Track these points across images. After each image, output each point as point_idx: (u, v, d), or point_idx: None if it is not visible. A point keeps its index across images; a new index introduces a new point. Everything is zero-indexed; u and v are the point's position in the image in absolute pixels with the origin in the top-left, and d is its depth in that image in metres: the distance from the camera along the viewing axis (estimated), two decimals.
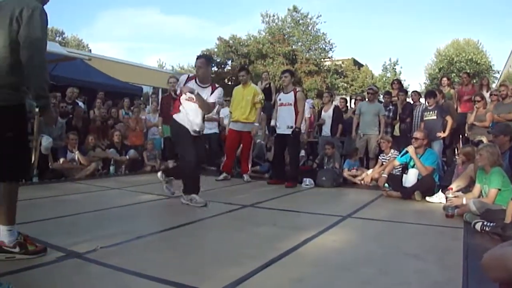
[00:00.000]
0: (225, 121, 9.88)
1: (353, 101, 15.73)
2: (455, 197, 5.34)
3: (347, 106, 12.46)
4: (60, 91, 10.49)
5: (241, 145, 8.64)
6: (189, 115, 5.89)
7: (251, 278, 2.83)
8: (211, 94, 6.00)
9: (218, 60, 33.95)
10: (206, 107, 5.92)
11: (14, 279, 2.74)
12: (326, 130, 9.96)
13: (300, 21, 35.64)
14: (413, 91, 10.69)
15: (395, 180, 6.89)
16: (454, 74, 31.18)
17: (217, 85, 6.24)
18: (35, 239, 3.30)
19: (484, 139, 7.76)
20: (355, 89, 34.69)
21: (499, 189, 4.98)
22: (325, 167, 8.60)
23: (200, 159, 6.30)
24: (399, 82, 11.76)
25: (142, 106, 12.56)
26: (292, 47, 33.93)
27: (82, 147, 9.13)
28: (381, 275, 2.96)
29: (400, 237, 4.21)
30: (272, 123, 8.91)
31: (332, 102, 10.51)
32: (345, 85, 35.96)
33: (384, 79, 37.41)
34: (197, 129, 5.93)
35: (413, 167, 6.80)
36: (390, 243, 3.94)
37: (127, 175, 9.43)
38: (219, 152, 10.42)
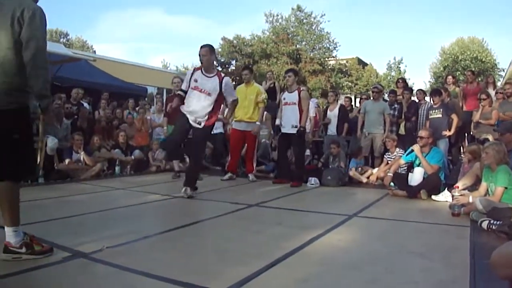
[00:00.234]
0: None
1: (358, 100, 15.73)
2: (461, 195, 5.31)
3: (352, 105, 12.45)
4: (65, 92, 10.53)
5: (246, 144, 8.65)
6: (191, 105, 6.28)
7: (257, 277, 2.83)
8: (220, 84, 6.31)
9: (222, 60, 34.02)
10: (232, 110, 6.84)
11: (20, 279, 2.76)
12: (332, 129, 9.93)
13: (304, 20, 35.68)
14: (418, 90, 10.65)
15: (400, 179, 6.87)
16: (459, 72, 31.04)
17: (222, 74, 6.53)
18: (41, 239, 3.31)
19: (490, 137, 7.74)
20: (359, 88, 34.64)
21: (506, 187, 4.95)
22: (330, 167, 8.58)
23: (197, 154, 6.60)
24: (404, 80, 11.72)
25: (147, 107, 12.57)
26: (296, 46, 33.96)
27: (87, 147, 9.14)
28: (387, 274, 2.95)
29: (406, 236, 4.20)
30: (277, 122, 8.91)
31: (337, 101, 10.49)
32: (350, 84, 35.92)
33: (388, 78, 37.35)
34: (197, 118, 6.23)
35: (418, 165, 6.78)
36: (396, 242, 3.92)
37: (133, 176, 9.44)
38: (224, 152, 10.42)
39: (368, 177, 8.17)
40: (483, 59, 35.63)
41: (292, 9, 36.06)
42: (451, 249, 3.65)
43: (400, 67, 38.64)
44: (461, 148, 10.52)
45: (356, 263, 3.18)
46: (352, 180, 8.25)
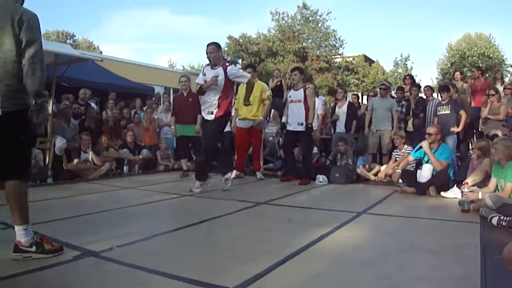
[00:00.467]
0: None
1: (365, 97, 15.70)
2: (470, 191, 5.28)
3: (359, 103, 12.41)
4: (73, 93, 10.57)
5: (252, 142, 8.65)
6: (203, 97, 6.65)
7: (268, 274, 2.84)
8: (225, 72, 6.49)
9: (228, 59, 34.00)
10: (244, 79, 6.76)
11: (31, 279, 2.78)
12: (341, 127, 9.90)
13: (310, 18, 35.64)
14: (426, 86, 10.60)
15: (409, 176, 6.85)
16: (467, 69, 30.88)
17: (227, 63, 6.74)
18: (51, 239, 3.33)
19: (499, 133, 7.70)
20: (366, 85, 34.54)
21: None
22: (338, 164, 8.57)
23: (206, 147, 6.69)
24: (411, 77, 11.67)
25: (154, 106, 12.60)
26: (302, 44, 33.94)
27: (95, 147, 9.18)
28: (398, 270, 2.95)
29: (416, 233, 4.20)
30: (283, 119, 8.90)
31: (346, 98, 10.46)
32: (356, 81, 35.84)
33: (395, 74, 37.17)
34: (211, 110, 6.53)
35: (427, 162, 6.76)
36: (406, 238, 3.92)
37: (141, 175, 9.47)
38: (231, 151, 10.43)
39: (376, 174, 8.15)
40: (491, 55, 35.40)
41: (298, 7, 36.06)
42: (462, 245, 3.64)
43: (407, 64, 38.45)
44: (469, 144, 10.47)
45: (367, 259, 3.18)
46: (360, 178, 8.23)
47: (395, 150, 8.40)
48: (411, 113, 9.65)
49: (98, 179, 8.42)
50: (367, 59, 39.91)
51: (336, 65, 35.36)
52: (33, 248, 3.13)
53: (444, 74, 36.62)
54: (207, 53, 6.61)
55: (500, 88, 9.30)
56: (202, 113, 6.83)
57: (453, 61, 36.95)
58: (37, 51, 3.14)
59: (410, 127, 9.67)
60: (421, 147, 6.86)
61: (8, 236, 3.28)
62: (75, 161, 8.58)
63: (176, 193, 6.56)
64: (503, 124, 7.97)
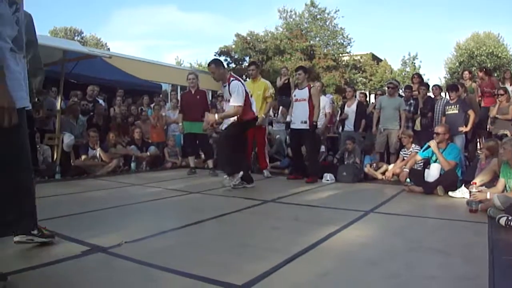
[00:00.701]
0: None
1: (372, 96, 15.66)
2: (479, 191, 5.26)
3: (367, 101, 12.39)
4: (81, 89, 10.62)
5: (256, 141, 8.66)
6: None
7: (276, 272, 2.84)
8: (229, 88, 6.62)
9: (236, 57, 34.03)
10: (229, 116, 6.76)
11: (40, 273, 2.79)
12: (349, 125, 9.91)
13: (318, 16, 35.59)
14: (434, 85, 10.55)
15: (417, 175, 6.83)
16: (475, 68, 30.74)
17: (231, 78, 6.67)
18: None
19: (508, 133, 7.67)
20: (374, 84, 34.46)
21: None
22: (345, 163, 8.57)
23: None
24: (420, 76, 11.63)
25: (162, 103, 12.65)
26: (310, 42, 33.87)
27: (103, 144, 9.22)
28: (406, 269, 2.94)
29: (423, 232, 4.19)
30: (288, 118, 8.91)
31: (355, 97, 10.44)
32: (364, 80, 35.74)
33: (403, 73, 37.07)
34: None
35: (435, 161, 6.74)
36: (414, 237, 3.91)
37: (148, 172, 9.52)
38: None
39: (383, 173, 8.13)
40: (499, 55, 35.21)
41: (306, 5, 36.01)
42: (470, 245, 3.63)
43: (414, 63, 38.34)
44: (478, 144, 10.43)
45: (374, 258, 3.18)
46: (368, 177, 8.22)
47: (402, 149, 8.38)
48: (419, 112, 9.62)
49: (106, 175, 8.46)
50: (375, 58, 39.77)
51: (343, 63, 35.29)
52: (36, 231, 3.20)
53: (452, 73, 36.50)
54: (211, 73, 6.88)
55: (510, 88, 9.26)
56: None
57: (462, 60, 36.79)
58: (37, 52, 3.31)
59: (417, 126, 9.64)
60: (429, 146, 6.84)
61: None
62: (83, 157, 8.63)
63: (184, 190, 6.59)
64: None
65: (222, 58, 33.12)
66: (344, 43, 35.83)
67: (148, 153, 10.03)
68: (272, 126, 10.92)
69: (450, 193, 6.23)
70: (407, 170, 7.07)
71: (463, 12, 75.30)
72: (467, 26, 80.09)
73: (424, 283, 2.69)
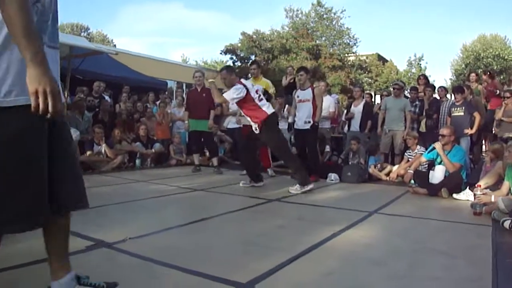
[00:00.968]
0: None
1: (378, 96, 15.63)
2: (483, 194, 5.25)
3: (372, 102, 12.37)
4: (87, 85, 10.66)
5: None
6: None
7: (280, 270, 2.86)
8: None
9: (241, 55, 33.99)
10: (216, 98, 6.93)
11: (46, 267, 2.81)
12: (355, 126, 9.90)
13: (324, 16, 35.51)
14: (440, 87, 10.54)
15: (421, 177, 6.83)
16: (481, 70, 30.65)
17: (235, 83, 6.68)
18: None
19: None
20: (379, 84, 34.40)
21: None
22: (350, 163, 8.57)
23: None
24: (425, 77, 11.61)
25: (168, 101, 12.68)
26: (316, 42, 33.79)
27: (108, 140, 9.25)
28: (409, 270, 2.95)
29: (427, 233, 4.19)
30: (290, 119, 8.92)
31: (363, 97, 10.42)
32: (370, 80, 35.68)
33: (409, 74, 36.99)
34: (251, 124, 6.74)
35: (440, 163, 6.74)
36: (418, 239, 3.92)
37: (153, 168, 9.54)
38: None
39: (387, 174, 8.12)
40: (506, 57, 35.05)
41: (312, 4, 35.92)
42: (473, 247, 3.64)
43: (420, 64, 38.23)
44: (482, 147, 10.41)
45: (378, 258, 3.19)
46: (372, 177, 8.22)
47: (407, 151, 8.36)
48: (424, 114, 9.61)
49: (111, 171, 8.49)
50: (381, 58, 39.71)
51: (349, 63, 35.22)
52: None
53: (458, 75, 36.36)
54: (221, 78, 6.88)
55: None
56: None
57: (468, 62, 36.65)
58: None
59: (423, 128, 9.63)
60: (434, 148, 6.83)
61: None
62: (88, 153, 8.66)
63: (188, 188, 6.61)
64: None
65: (227, 57, 33.22)
66: (350, 43, 35.75)
67: (153, 150, 10.05)
68: (278, 125, 10.90)
69: (454, 195, 6.22)
70: (412, 172, 7.06)
71: (470, 14, 75.01)
72: (474, 28, 79.77)
73: (427, 284, 2.70)
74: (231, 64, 30.89)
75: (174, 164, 10.19)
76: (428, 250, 3.52)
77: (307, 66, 17.74)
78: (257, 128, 6.55)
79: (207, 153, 9.64)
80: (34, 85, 1.64)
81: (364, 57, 36.92)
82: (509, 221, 4.28)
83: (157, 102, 12.00)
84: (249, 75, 8.81)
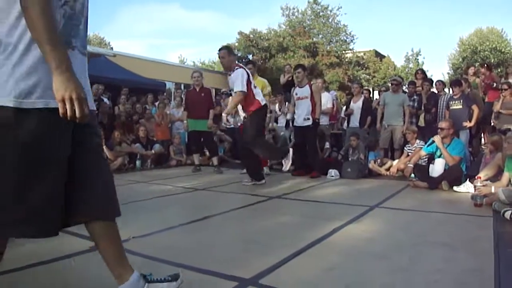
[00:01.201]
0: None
1: (376, 92, 15.65)
2: (483, 186, 5.27)
3: (370, 97, 12.38)
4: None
5: None
6: None
7: (283, 266, 2.88)
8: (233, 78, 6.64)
9: (239, 55, 33.99)
10: (235, 104, 6.72)
11: (50, 268, 2.83)
12: (355, 122, 9.92)
13: (321, 13, 35.50)
14: (437, 81, 10.55)
15: (421, 170, 6.84)
16: (478, 63, 30.64)
17: (235, 68, 6.70)
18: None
19: None
20: (377, 80, 34.40)
21: None
22: (350, 159, 8.59)
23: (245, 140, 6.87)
24: (423, 71, 11.59)
25: (166, 101, 12.69)
26: (312, 39, 33.83)
27: (108, 142, 9.26)
28: (412, 263, 2.97)
29: (429, 226, 4.20)
30: (288, 116, 8.94)
31: (362, 93, 10.44)
32: (367, 77, 35.67)
33: (406, 70, 36.97)
34: (243, 115, 6.85)
35: (439, 157, 6.75)
36: (419, 232, 3.93)
37: (153, 169, 9.56)
38: None
39: (387, 170, 8.14)
40: (503, 50, 35.04)
41: (309, 2, 35.90)
42: (475, 238, 3.66)
43: (418, 59, 38.21)
44: (481, 139, 10.42)
45: (380, 252, 3.20)
46: (372, 173, 8.23)
47: (407, 145, 8.38)
48: (422, 108, 9.62)
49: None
50: (378, 54, 39.67)
51: (346, 60, 35.25)
52: None
53: (456, 69, 36.31)
54: (219, 57, 6.83)
55: None
56: None
57: (465, 56, 36.61)
58: None
59: (421, 122, 9.65)
60: (433, 141, 6.85)
61: None
62: None
63: (189, 187, 6.62)
64: None
65: None
66: (347, 40, 35.75)
67: (153, 151, 10.07)
68: (277, 123, 10.95)
69: (454, 187, 6.24)
70: (412, 166, 7.08)
71: (466, 7, 74.93)
72: (471, 22, 79.74)
73: (430, 276, 2.71)
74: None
75: (174, 165, 10.21)
76: (430, 242, 3.53)
77: (304, 63, 17.70)
78: (246, 116, 6.61)
79: (207, 153, 9.65)
80: (61, 93, 1.65)
81: (362, 54, 36.92)
82: (509, 212, 4.31)
83: (156, 103, 12.01)
84: None
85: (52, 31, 1.66)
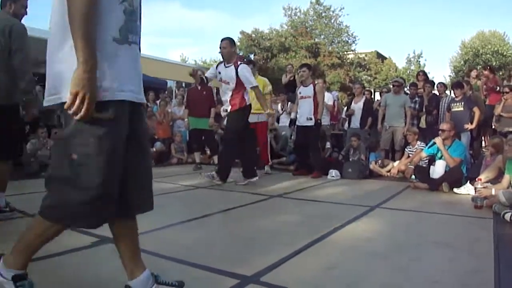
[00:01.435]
0: None
1: (377, 93, 15.64)
2: (484, 188, 5.29)
3: (372, 98, 12.39)
4: None
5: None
6: (222, 96, 6.84)
7: (284, 264, 2.88)
8: (236, 72, 6.56)
9: (240, 54, 34.00)
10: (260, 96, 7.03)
11: (52, 262, 2.83)
12: (356, 122, 9.91)
13: (323, 14, 35.61)
14: (439, 83, 10.56)
15: (422, 172, 6.85)
16: (480, 66, 30.65)
17: (239, 62, 6.71)
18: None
19: None
20: (378, 82, 34.43)
21: None
22: (350, 159, 8.60)
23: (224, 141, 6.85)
24: (425, 73, 11.59)
25: (168, 100, 12.70)
26: (314, 40, 33.90)
27: None
28: (413, 262, 2.98)
29: (429, 227, 4.22)
30: (292, 116, 8.95)
31: (363, 94, 10.45)
32: (369, 78, 35.73)
33: (408, 71, 36.99)
34: (225, 108, 6.71)
35: (440, 158, 6.76)
36: (420, 232, 3.95)
37: (154, 167, 9.50)
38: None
39: (388, 171, 8.15)
40: (505, 53, 35.07)
41: (311, 2, 36.02)
42: (475, 240, 3.66)
43: (419, 61, 38.24)
44: (482, 142, 10.43)
45: (381, 252, 3.21)
46: (373, 173, 8.24)
47: (408, 146, 8.39)
48: (424, 110, 9.63)
49: None
50: (380, 56, 39.74)
51: (348, 61, 35.32)
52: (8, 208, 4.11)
53: (457, 71, 36.33)
54: (220, 47, 6.71)
55: None
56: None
57: (467, 58, 36.63)
58: (23, 57, 3.95)
59: (423, 124, 9.65)
60: (434, 143, 6.87)
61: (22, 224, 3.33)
62: None
63: (189, 185, 6.63)
64: None
65: None
66: (349, 41, 35.87)
67: (154, 149, 10.07)
68: (279, 122, 10.96)
69: (455, 189, 6.26)
70: (412, 167, 7.09)
71: (469, 10, 74.98)
72: (473, 25, 79.79)
73: (431, 276, 2.71)
74: None
75: (175, 163, 10.22)
76: (430, 243, 3.54)
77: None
78: (228, 110, 6.61)
79: (208, 151, 9.66)
80: (77, 88, 1.70)
81: (363, 55, 37.01)
82: (510, 214, 4.32)
83: (157, 101, 12.03)
84: None
85: (87, 29, 1.72)
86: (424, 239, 3.67)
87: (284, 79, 12.10)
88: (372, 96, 13.96)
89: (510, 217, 4.28)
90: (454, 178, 6.40)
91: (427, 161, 7.32)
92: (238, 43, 33.65)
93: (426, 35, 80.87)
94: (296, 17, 36.51)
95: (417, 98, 9.73)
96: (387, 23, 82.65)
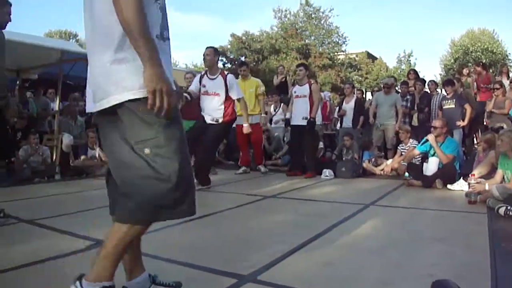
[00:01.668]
0: None
1: (369, 93, 15.69)
2: (477, 183, 5.31)
3: (363, 98, 12.42)
4: (79, 90, 10.62)
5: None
6: (205, 108, 6.69)
7: (280, 262, 2.88)
8: (224, 81, 6.57)
9: (231, 57, 34.06)
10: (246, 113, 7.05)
11: (47, 266, 2.81)
12: (347, 122, 9.93)
13: (313, 15, 35.71)
14: (430, 81, 10.61)
15: (415, 169, 6.88)
16: (470, 64, 30.82)
17: (225, 72, 6.78)
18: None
19: (505, 126, 7.71)
20: (369, 82, 34.56)
21: None
22: (344, 159, 8.61)
23: (206, 146, 6.60)
24: (415, 72, 11.65)
25: None
26: (305, 41, 33.98)
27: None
28: (408, 258, 2.98)
29: (424, 223, 4.23)
30: (287, 115, 8.95)
31: (354, 94, 10.47)
32: (360, 78, 35.86)
33: (398, 71, 37.16)
34: (214, 117, 6.54)
35: (433, 155, 6.78)
36: (415, 228, 3.96)
37: None
38: (236, 147, 10.46)
39: (382, 169, 8.17)
40: (494, 50, 35.32)
41: (301, 4, 36.11)
42: (470, 234, 3.68)
43: (410, 61, 38.45)
44: (474, 139, 10.48)
45: (377, 248, 3.21)
46: (366, 172, 8.26)
47: (400, 145, 8.41)
48: (415, 108, 9.66)
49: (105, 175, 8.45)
50: (370, 56, 39.92)
51: (339, 62, 35.43)
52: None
53: (448, 70, 36.53)
54: (204, 55, 6.79)
55: (506, 82, 9.31)
56: (205, 116, 6.72)
57: (457, 57, 36.87)
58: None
59: (415, 122, 9.69)
60: (427, 140, 6.88)
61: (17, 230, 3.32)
62: (82, 157, 8.63)
63: None
64: (509, 117, 8.00)
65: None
66: (339, 41, 35.97)
67: None
68: (271, 123, 10.95)
69: (448, 186, 6.29)
70: (406, 164, 7.11)
71: (458, 9, 75.49)
72: (462, 23, 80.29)
73: (428, 271, 2.71)
74: (221, 66, 30.86)
75: None
76: (425, 238, 3.55)
77: None
78: (218, 120, 6.53)
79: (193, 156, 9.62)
80: (153, 85, 1.74)
81: (354, 55, 37.14)
82: (504, 208, 4.33)
83: None
84: (239, 76, 8.81)
85: (145, 27, 1.76)
86: (419, 235, 3.68)
87: (276, 80, 12.10)
88: (364, 96, 13.99)
89: (504, 211, 4.30)
90: (447, 174, 6.43)
91: (420, 158, 7.34)
92: (229, 46, 33.75)
93: (416, 34, 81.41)
94: (286, 19, 36.59)
95: (408, 96, 9.77)
96: (377, 23, 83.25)
